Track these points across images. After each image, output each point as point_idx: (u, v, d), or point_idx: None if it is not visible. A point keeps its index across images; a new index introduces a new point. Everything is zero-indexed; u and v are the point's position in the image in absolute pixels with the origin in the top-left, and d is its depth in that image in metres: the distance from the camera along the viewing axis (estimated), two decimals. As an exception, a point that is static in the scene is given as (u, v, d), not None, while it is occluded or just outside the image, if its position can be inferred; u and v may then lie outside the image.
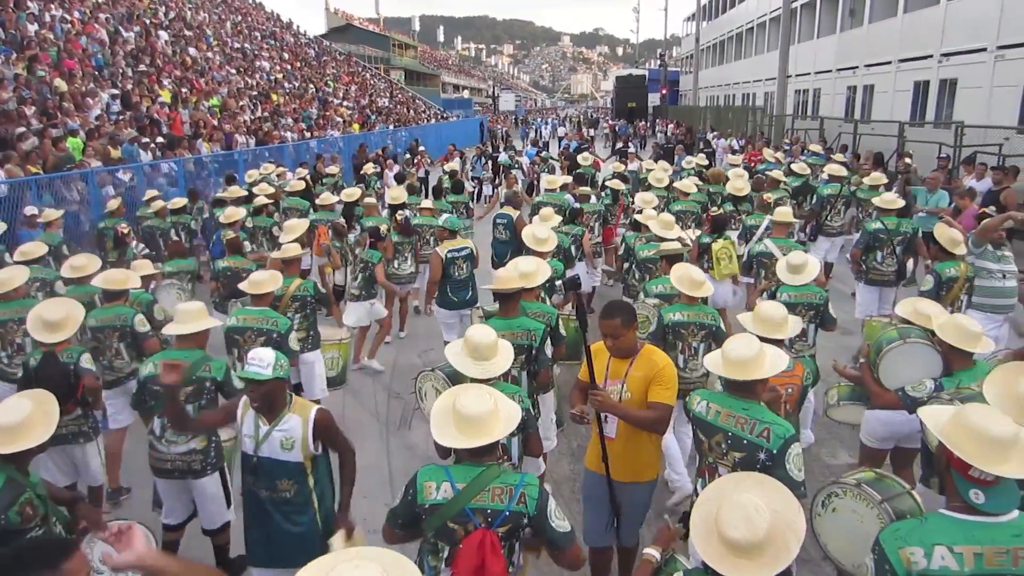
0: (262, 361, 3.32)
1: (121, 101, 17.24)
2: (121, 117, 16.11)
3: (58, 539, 1.96)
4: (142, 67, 20.27)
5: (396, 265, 8.26)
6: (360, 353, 7.98)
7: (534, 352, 4.48)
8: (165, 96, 19.19)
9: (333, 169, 16.11)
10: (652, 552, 2.70)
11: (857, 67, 25.53)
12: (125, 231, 8.22)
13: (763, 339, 3.63)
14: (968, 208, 8.71)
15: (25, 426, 3.03)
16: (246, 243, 8.23)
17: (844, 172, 10.51)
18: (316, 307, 6.23)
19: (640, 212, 7.83)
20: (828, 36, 28.97)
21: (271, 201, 9.70)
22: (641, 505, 3.84)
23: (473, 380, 3.43)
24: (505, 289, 4.49)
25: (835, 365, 4.74)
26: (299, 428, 3.41)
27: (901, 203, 7.87)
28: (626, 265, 7.51)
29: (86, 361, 4.57)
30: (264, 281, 5.37)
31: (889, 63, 22.80)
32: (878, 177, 10.02)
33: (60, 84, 15.91)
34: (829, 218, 9.83)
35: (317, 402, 4.05)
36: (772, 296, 5.44)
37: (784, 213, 7.09)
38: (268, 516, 3.52)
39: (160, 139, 15.72)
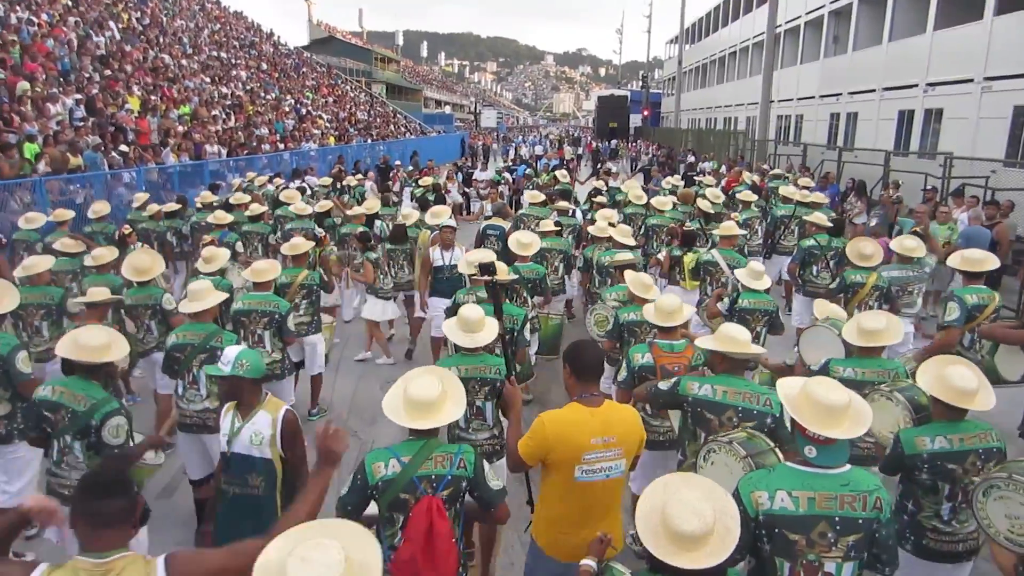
0: (225, 358, 3.67)
1: (85, 107, 16.54)
2: (83, 123, 15.40)
3: None
4: (109, 72, 19.54)
5: (394, 273, 8.70)
6: (370, 344, 8.85)
7: (515, 334, 5.19)
8: (133, 103, 18.47)
9: (324, 181, 15.75)
10: (588, 563, 2.83)
11: (840, 94, 25.43)
12: (127, 232, 8.56)
13: (661, 329, 4.52)
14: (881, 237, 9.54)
15: (107, 347, 3.87)
16: (239, 244, 8.79)
17: (796, 194, 11.01)
18: (320, 294, 7.05)
19: (593, 224, 8.43)
20: (811, 62, 28.88)
21: (265, 209, 10.35)
22: None
23: (463, 348, 4.20)
24: (500, 280, 5.01)
25: (761, 360, 5.47)
26: (268, 426, 3.65)
27: (829, 224, 8.59)
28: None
29: None
30: (265, 270, 6.01)
31: (873, 91, 22.66)
32: (821, 197, 10.97)
33: (22, 87, 15.19)
34: (783, 237, 10.38)
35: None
36: (734, 302, 6.01)
37: (729, 227, 7.77)
38: (234, 521, 3.67)
39: (124, 147, 15.07)
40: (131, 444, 3.96)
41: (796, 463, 2.77)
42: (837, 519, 2.63)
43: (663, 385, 3.90)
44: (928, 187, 13.62)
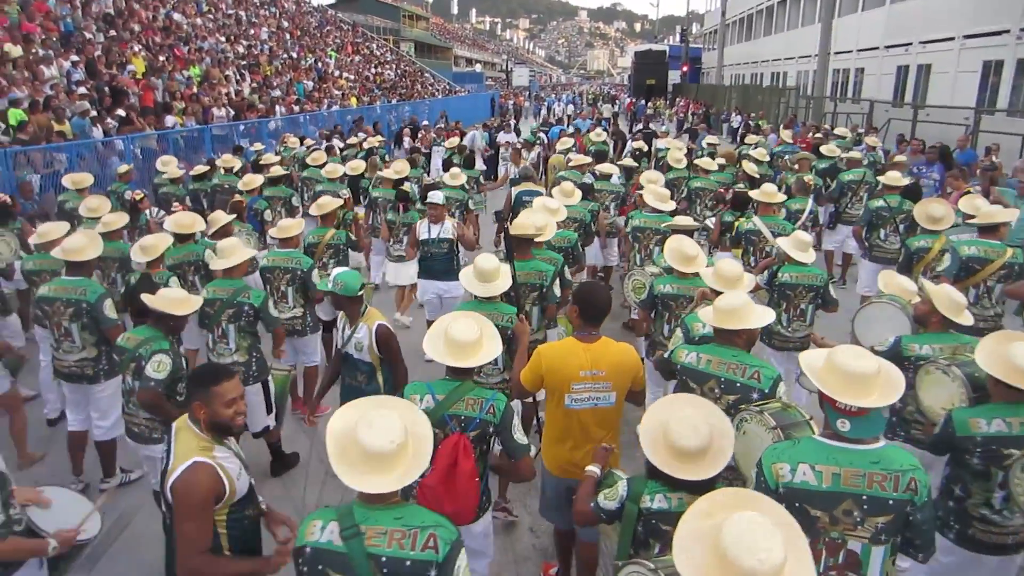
0: (330, 278, 4.48)
1: (85, 69, 15.20)
2: (82, 88, 14.04)
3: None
4: (114, 33, 18.14)
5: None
6: (400, 307, 8.57)
7: (544, 290, 5.14)
8: (137, 65, 17.06)
9: (352, 140, 15.49)
10: (593, 469, 3.09)
11: (911, 44, 23.02)
12: (140, 197, 8.38)
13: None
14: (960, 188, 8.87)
15: (183, 302, 4.26)
16: (267, 213, 8.68)
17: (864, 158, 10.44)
18: (347, 253, 6.99)
19: (642, 188, 7.91)
20: (876, 9, 26.37)
21: (287, 172, 10.20)
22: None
23: (478, 296, 4.45)
24: (522, 235, 5.10)
25: (813, 337, 5.30)
26: (365, 336, 4.34)
27: (906, 182, 7.99)
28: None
29: (173, 283, 5.36)
30: (289, 226, 6.10)
31: (952, 39, 20.28)
32: (902, 160, 10.14)
33: (11, 50, 13.84)
34: (850, 205, 9.39)
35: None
36: (774, 275, 5.49)
37: (768, 192, 7.06)
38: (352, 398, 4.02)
39: (120, 112, 13.75)
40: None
41: (825, 436, 2.69)
42: (865, 498, 2.53)
43: (666, 352, 3.91)
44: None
